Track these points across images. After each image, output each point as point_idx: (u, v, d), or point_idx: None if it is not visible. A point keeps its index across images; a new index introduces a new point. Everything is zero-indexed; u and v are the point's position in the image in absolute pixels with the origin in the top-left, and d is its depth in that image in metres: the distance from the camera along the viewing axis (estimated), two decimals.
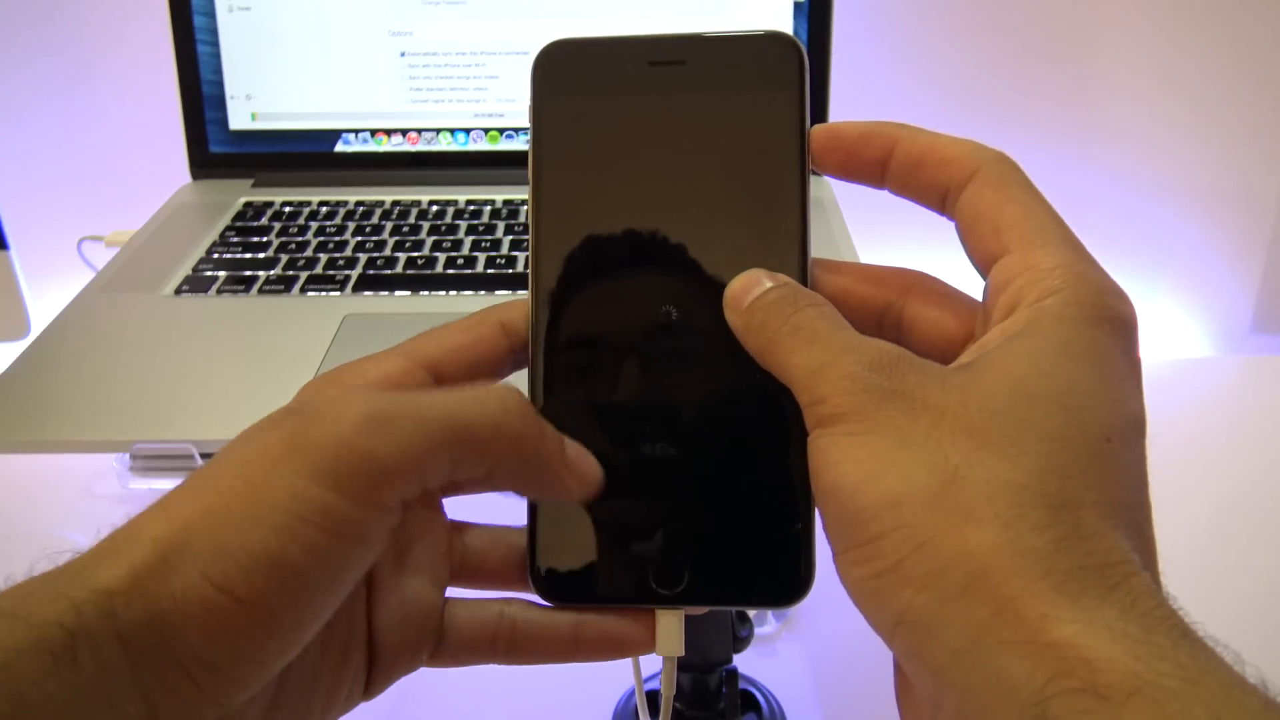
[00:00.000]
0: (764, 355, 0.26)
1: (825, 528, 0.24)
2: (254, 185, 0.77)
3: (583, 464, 0.27)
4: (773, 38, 0.29)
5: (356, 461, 0.23)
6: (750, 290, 0.26)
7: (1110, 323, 0.23)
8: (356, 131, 0.77)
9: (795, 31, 0.71)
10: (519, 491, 0.27)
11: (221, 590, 0.22)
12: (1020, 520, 0.20)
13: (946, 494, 0.21)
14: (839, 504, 0.23)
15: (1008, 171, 0.26)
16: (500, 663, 0.28)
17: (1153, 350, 0.88)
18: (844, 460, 0.23)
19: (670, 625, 0.28)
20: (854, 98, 0.78)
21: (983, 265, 0.26)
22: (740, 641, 0.50)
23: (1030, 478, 0.21)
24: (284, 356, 0.56)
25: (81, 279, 0.65)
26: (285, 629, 0.22)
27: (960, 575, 0.20)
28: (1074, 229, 0.25)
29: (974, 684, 0.20)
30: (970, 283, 0.28)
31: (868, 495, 0.22)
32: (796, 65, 0.28)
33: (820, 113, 0.73)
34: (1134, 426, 0.23)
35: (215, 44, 0.76)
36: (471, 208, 0.73)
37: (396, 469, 0.23)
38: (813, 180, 0.28)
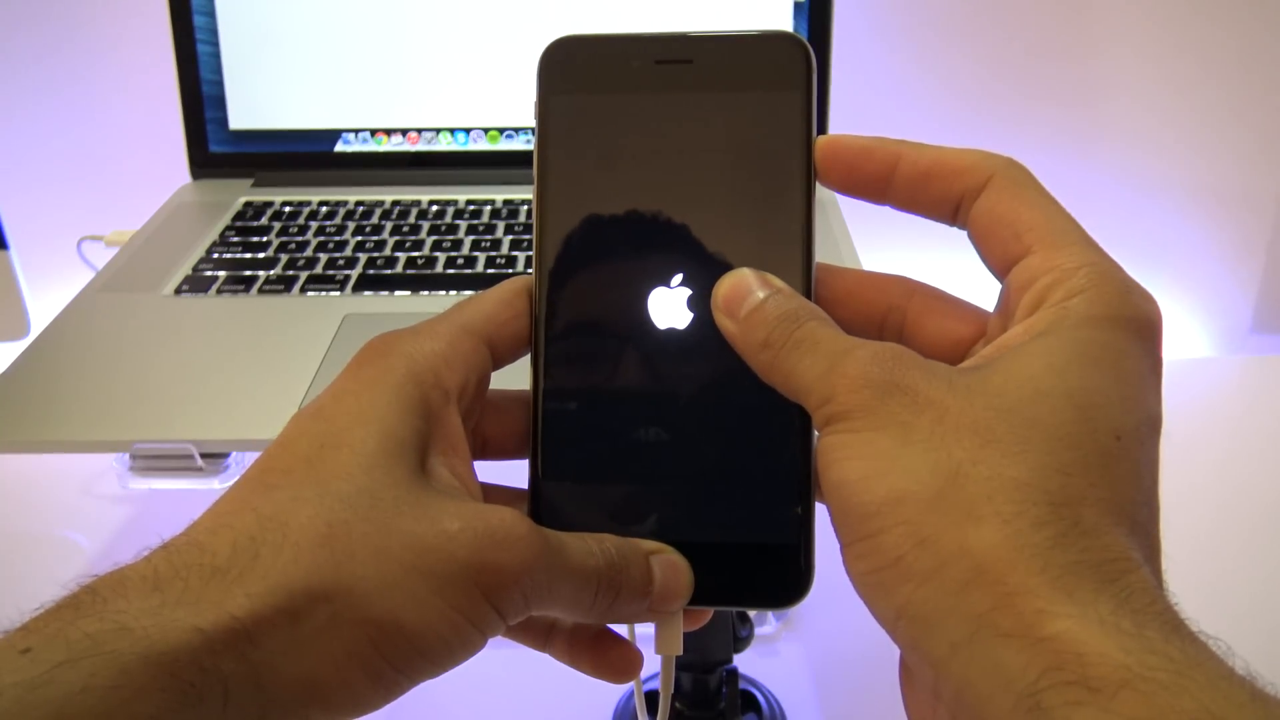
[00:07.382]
0: (768, 372, 0.26)
1: (832, 521, 0.24)
2: (254, 185, 0.77)
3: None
4: (781, 38, 0.28)
5: (520, 597, 0.24)
6: (744, 298, 0.26)
7: (1133, 323, 0.23)
8: (356, 131, 0.77)
9: (795, 31, 0.71)
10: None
11: (387, 661, 0.23)
12: (1019, 517, 0.21)
13: (949, 492, 0.21)
14: (843, 499, 0.23)
15: (1021, 176, 0.26)
16: None
17: None
18: (849, 457, 0.23)
19: (669, 625, 0.28)
20: (854, 98, 0.78)
21: (1001, 268, 0.26)
22: (740, 641, 0.50)
23: (1033, 475, 0.21)
24: (284, 356, 0.56)
25: (81, 279, 0.65)
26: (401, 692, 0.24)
27: (960, 571, 0.21)
28: None
29: (972, 675, 0.20)
30: (969, 292, 0.28)
31: (871, 492, 0.22)
32: (804, 66, 0.28)
33: (821, 113, 0.73)
34: (1148, 426, 0.23)
35: (215, 44, 0.76)
36: (471, 208, 0.73)
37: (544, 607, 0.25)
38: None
